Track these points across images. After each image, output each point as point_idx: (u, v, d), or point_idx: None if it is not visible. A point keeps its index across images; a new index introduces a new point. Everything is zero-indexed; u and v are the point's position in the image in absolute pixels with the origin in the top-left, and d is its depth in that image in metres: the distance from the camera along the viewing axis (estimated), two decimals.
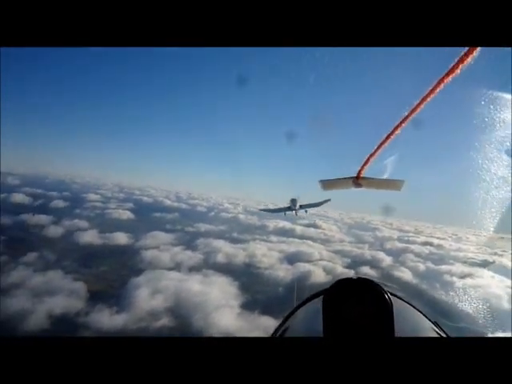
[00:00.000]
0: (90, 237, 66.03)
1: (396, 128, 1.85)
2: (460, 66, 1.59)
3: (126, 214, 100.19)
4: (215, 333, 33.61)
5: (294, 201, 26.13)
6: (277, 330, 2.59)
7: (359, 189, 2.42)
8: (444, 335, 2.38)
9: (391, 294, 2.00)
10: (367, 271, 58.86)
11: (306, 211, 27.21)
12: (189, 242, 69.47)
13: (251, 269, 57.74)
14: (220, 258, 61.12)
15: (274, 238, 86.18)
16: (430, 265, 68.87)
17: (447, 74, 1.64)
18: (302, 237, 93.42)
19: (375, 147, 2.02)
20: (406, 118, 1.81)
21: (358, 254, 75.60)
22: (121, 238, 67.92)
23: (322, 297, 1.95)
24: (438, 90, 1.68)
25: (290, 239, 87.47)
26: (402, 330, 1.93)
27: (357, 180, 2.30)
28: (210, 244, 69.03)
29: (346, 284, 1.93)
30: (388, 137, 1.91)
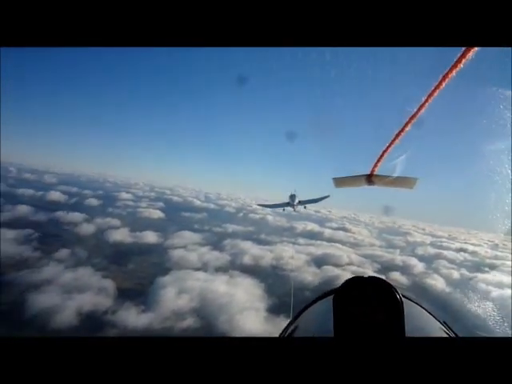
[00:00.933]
0: (121, 235, 67.44)
1: (405, 125, 1.83)
2: (460, 64, 1.63)
3: (157, 213, 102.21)
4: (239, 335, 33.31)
5: (292, 196, 25.98)
6: (286, 329, 2.63)
7: (372, 187, 2.40)
8: (453, 335, 2.39)
9: (403, 295, 1.99)
10: (398, 277, 57.26)
11: (304, 207, 27.34)
12: (216, 243, 69.85)
13: (278, 271, 57.10)
14: (247, 260, 60.96)
15: (301, 241, 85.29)
16: (465, 272, 66.17)
17: (449, 72, 1.69)
18: (330, 240, 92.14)
19: (386, 145, 1.98)
20: (414, 115, 1.80)
21: (389, 259, 73.60)
22: (150, 237, 69.08)
23: (331, 296, 1.93)
24: (441, 87, 1.70)
25: (319, 242, 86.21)
26: (411, 329, 1.93)
27: (370, 178, 2.28)
28: (237, 245, 69.07)
29: (357, 283, 1.91)
30: (398, 134, 1.89)
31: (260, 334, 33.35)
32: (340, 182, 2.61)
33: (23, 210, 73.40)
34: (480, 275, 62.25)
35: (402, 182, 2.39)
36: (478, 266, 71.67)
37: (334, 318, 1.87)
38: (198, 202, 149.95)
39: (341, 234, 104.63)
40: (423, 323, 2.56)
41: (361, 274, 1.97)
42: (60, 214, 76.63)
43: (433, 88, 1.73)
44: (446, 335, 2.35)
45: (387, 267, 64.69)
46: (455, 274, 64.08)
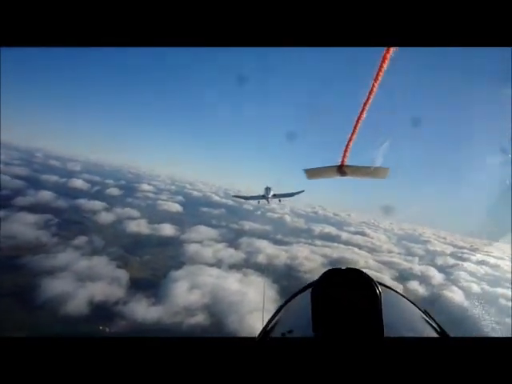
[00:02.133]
0: (139, 226, 67.89)
1: (362, 112, 1.86)
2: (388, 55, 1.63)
3: (175, 207, 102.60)
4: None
5: (268, 189, 26.19)
6: (267, 324, 2.65)
7: (345, 177, 2.39)
8: (434, 324, 2.43)
9: (382, 284, 2.10)
10: (415, 287, 55.59)
11: (279, 200, 27.38)
12: (232, 240, 69.51)
13: (292, 272, 56.22)
14: (261, 259, 60.22)
15: (318, 242, 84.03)
16: (485, 286, 63.78)
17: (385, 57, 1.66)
18: (347, 243, 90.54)
19: (350, 134, 2.03)
20: (367, 101, 1.81)
21: (407, 267, 71.49)
22: (167, 230, 69.38)
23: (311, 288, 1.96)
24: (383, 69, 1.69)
25: (335, 245, 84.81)
26: (392, 317, 2.00)
27: (341, 168, 2.28)
28: (252, 243, 68.56)
29: (334, 275, 1.93)
30: (357, 122, 1.93)
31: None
32: (312, 173, 2.57)
33: (45, 195, 74.70)
34: (500, 290, 59.89)
35: (374, 172, 2.36)
36: (499, 281, 68.88)
37: (312, 310, 1.87)
38: (216, 198, 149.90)
39: (359, 239, 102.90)
40: (404, 312, 2.62)
41: (339, 266, 1.97)
42: (81, 201, 77.86)
43: (377, 71, 1.68)
44: (427, 324, 2.40)
45: (405, 276, 62.91)
46: (475, 288, 61.75)
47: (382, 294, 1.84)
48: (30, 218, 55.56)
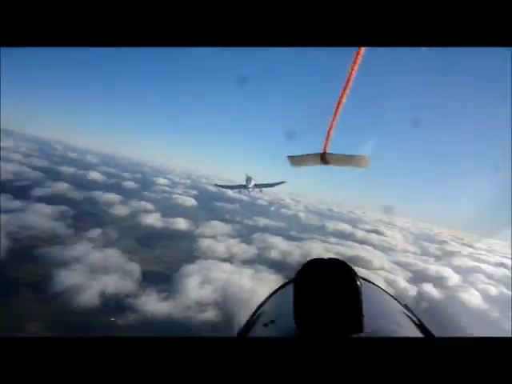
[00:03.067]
0: (153, 219, 68.26)
1: (341, 98, 1.84)
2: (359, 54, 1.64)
3: (190, 201, 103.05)
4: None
5: (249, 179, 26.09)
6: (252, 316, 2.68)
7: (327, 166, 2.35)
8: (414, 317, 2.46)
9: (364, 279, 2.13)
10: (430, 289, 54.31)
11: (260, 190, 27.43)
12: (246, 235, 69.27)
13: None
14: (274, 255, 59.93)
15: (332, 240, 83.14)
16: (503, 290, 62.18)
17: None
18: (362, 242, 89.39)
19: (330, 120, 2.01)
20: (346, 86, 1.80)
21: (422, 267, 70.04)
22: (181, 224, 69.53)
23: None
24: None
25: (350, 243, 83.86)
26: (372, 309, 2.03)
27: (323, 156, 2.25)
28: (266, 240, 68.20)
29: (315, 265, 1.94)
30: (337, 108, 1.91)
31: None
32: (295, 160, 2.49)
33: (63, 187, 75.81)
34: None
35: (354, 160, 2.31)
36: None
37: (294, 301, 1.89)
38: (230, 193, 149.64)
39: (373, 237, 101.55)
40: (384, 305, 2.68)
41: (321, 257, 1.99)
42: (97, 193, 78.74)
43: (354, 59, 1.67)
44: (407, 318, 2.43)
45: (420, 276, 61.53)
46: (493, 291, 60.21)
47: (362, 285, 1.87)
48: (47, 208, 56.51)
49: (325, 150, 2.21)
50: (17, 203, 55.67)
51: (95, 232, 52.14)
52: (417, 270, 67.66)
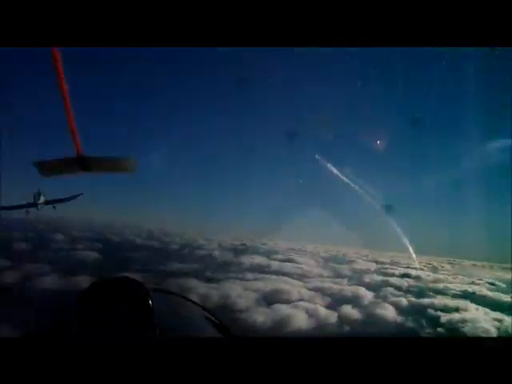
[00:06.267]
0: (51, 282, 60.72)
1: (64, 95, 1.76)
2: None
3: (93, 255, 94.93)
4: None
5: (37, 195, 23.90)
6: None
7: (83, 174, 2.08)
8: (216, 321, 2.52)
9: (160, 290, 2.18)
10: (349, 311, 56.02)
11: (54, 207, 25.17)
12: (160, 283, 65.15)
13: (227, 313, 53.59)
14: (194, 299, 56.53)
15: (249, 275, 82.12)
16: (412, 298, 66.53)
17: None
18: (278, 272, 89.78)
19: (67, 119, 1.83)
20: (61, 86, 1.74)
21: (338, 290, 72.23)
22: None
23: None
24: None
25: (267, 276, 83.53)
26: (169, 318, 2.05)
27: (81, 161, 1.97)
28: (182, 284, 64.76)
29: (100, 286, 1.91)
30: (65, 100, 1.78)
31: None
32: (45, 167, 2.12)
33: None
34: (426, 300, 63.05)
35: (118, 164, 2.11)
36: (423, 291, 72.80)
37: (78, 324, 1.82)
38: (139, 241, 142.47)
39: (288, 266, 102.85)
40: (187, 313, 2.67)
41: (116, 271, 1.70)
42: None
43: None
44: (207, 321, 2.50)
45: (338, 300, 63.24)
46: (403, 302, 64.03)
47: (151, 296, 1.85)
48: None
49: (79, 152, 1.89)
50: None
51: None
52: (333, 293, 69.36)
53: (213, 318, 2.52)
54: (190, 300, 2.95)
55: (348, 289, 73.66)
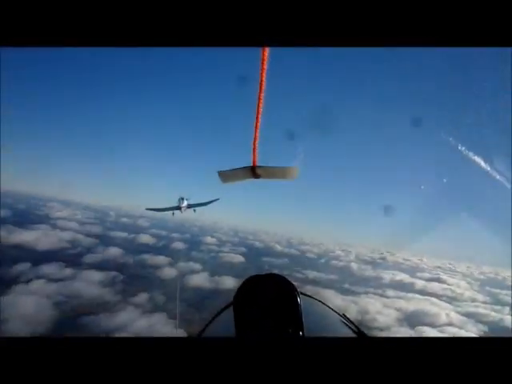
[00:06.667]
0: (201, 279, 67.27)
1: (258, 107, 1.80)
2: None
3: (238, 258, 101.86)
4: None
5: (181, 199, 26.00)
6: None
7: (259, 180, 2.31)
8: (353, 326, 2.52)
9: (303, 294, 2.17)
10: None
11: (194, 210, 27.15)
12: (321, 297, 66.24)
13: (363, 329, 51.48)
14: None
15: (390, 293, 77.45)
16: None
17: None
18: (423, 292, 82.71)
19: (253, 131, 1.95)
20: (260, 96, 1.78)
21: (497, 319, 62.62)
22: (228, 282, 67.43)
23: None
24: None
25: (410, 295, 77.47)
26: (312, 320, 2.05)
27: (253, 170, 2.19)
28: (318, 293, 64.52)
29: (253, 282, 1.99)
30: (257, 118, 1.86)
31: None
32: (226, 175, 2.35)
33: (113, 252, 77.53)
34: None
35: (284, 171, 2.26)
36: None
37: (235, 322, 1.90)
38: (279, 248, 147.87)
39: (435, 286, 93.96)
40: (323, 315, 2.73)
41: (259, 273, 2.02)
42: (146, 256, 79.41)
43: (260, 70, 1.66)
44: (345, 326, 2.50)
45: (495, 329, 54.76)
46: None
47: (300, 297, 1.89)
48: (97, 275, 57.43)
49: (254, 162, 2.11)
50: (67, 271, 56.95)
51: (143, 297, 51.66)
52: (491, 321, 60.81)
53: (349, 324, 2.53)
54: (328, 306, 2.98)
55: (509, 318, 62.90)
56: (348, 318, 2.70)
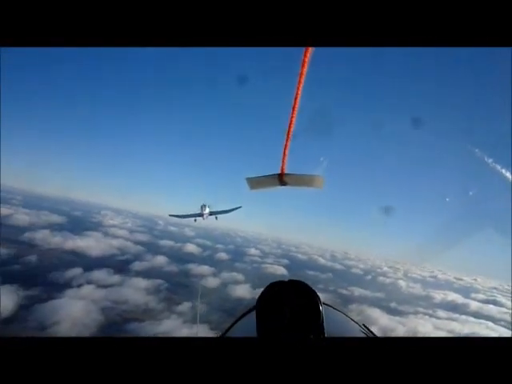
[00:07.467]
0: (243, 291, 67.24)
1: (292, 117, 1.80)
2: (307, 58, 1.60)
3: (280, 270, 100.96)
4: None
5: (203, 206, 26.19)
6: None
7: (285, 187, 2.31)
8: (371, 335, 2.59)
9: (325, 303, 2.13)
10: None
11: (216, 218, 27.27)
12: (341, 307, 64.36)
13: None
14: (375, 332, 54.02)
15: (441, 313, 73.19)
16: None
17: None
18: (478, 315, 77.28)
19: (284, 140, 1.94)
20: (294, 106, 1.76)
21: None
22: None
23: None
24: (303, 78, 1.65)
25: (463, 317, 72.78)
26: (332, 329, 2.07)
27: (281, 177, 2.20)
28: (363, 311, 62.52)
29: (276, 288, 2.00)
30: (290, 127, 1.86)
31: None
32: (254, 182, 2.36)
33: (160, 260, 79.42)
34: None
35: (311, 180, 2.25)
36: None
37: (257, 326, 1.92)
38: (322, 261, 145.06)
39: (492, 309, 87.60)
40: (343, 324, 2.77)
41: (281, 279, 2.05)
42: (192, 266, 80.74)
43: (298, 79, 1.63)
44: (365, 335, 2.53)
45: None
46: None
47: (322, 304, 1.92)
48: (143, 282, 58.98)
49: (282, 170, 2.14)
50: (116, 278, 59.06)
51: (186, 306, 52.34)
52: None
53: (368, 333, 2.56)
54: (348, 316, 3.02)
55: None
56: (368, 328, 2.75)
